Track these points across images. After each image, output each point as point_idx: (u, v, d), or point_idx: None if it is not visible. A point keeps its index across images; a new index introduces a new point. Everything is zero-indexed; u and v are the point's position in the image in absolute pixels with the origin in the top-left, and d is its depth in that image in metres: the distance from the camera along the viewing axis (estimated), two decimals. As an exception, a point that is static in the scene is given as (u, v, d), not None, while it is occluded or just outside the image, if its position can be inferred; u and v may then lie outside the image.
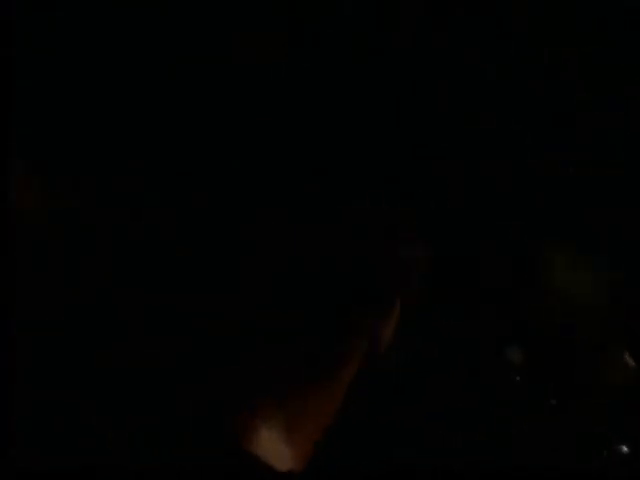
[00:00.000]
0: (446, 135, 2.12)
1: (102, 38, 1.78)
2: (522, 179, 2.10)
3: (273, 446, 0.87)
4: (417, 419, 1.66)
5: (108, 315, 0.73)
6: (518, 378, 1.97)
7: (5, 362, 0.69)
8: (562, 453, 1.92)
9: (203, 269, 1.30)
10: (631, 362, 2.01)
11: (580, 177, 2.08)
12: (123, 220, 0.82)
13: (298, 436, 0.89)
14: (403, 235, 1.71)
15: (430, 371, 1.75)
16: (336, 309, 1.64)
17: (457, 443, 1.62)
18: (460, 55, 2.07)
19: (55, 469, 0.71)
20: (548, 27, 2.04)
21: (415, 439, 1.62)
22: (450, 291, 2.06)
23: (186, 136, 1.85)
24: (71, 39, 1.71)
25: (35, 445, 0.69)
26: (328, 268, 1.64)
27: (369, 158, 2.02)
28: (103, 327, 0.74)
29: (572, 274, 2.07)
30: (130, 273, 0.82)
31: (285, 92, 1.99)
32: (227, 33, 1.94)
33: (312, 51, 2.01)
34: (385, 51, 2.06)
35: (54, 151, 1.57)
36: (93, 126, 1.63)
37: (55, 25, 1.67)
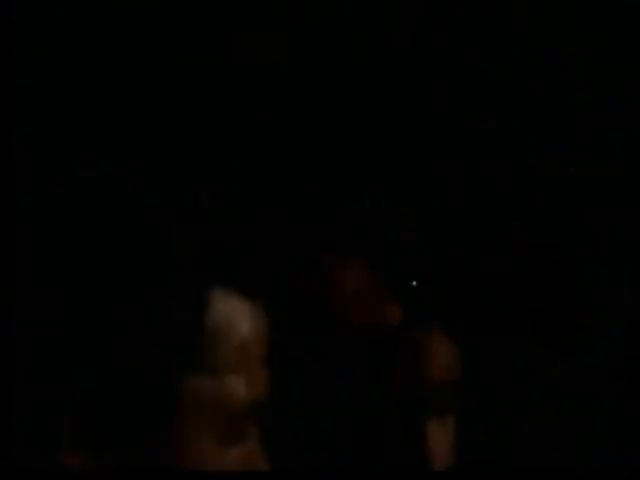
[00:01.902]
0: (446, 135, 2.11)
1: (102, 38, 1.77)
2: (522, 179, 2.10)
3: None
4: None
5: (108, 315, 0.73)
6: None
7: (5, 362, 0.69)
8: (562, 453, 1.92)
9: (202, 268, 1.30)
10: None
11: (580, 177, 2.07)
12: (123, 219, 0.81)
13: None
14: (403, 235, 1.71)
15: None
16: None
17: (457, 443, 1.62)
18: (460, 55, 2.07)
19: (55, 469, 0.71)
20: (548, 27, 2.04)
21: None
22: (450, 291, 2.06)
23: (186, 136, 1.85)
24: (71, 39, 1.71)
25: (35, 445, 0.69)
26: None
27: (369, 158, 2.02)
28: (103, 327, 0.74)
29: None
30: (130, 273, 0.82)
31: (285, 92, 1.99)
32: (227, 33, 1.93)
33: (312, 51, 2.01)
34: (385, 51, 2.06)
35: (54, 150, 1.57)
36: (93, 125, 1.63)
37: (55, 25, 1.67)
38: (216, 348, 0.71)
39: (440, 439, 1.52)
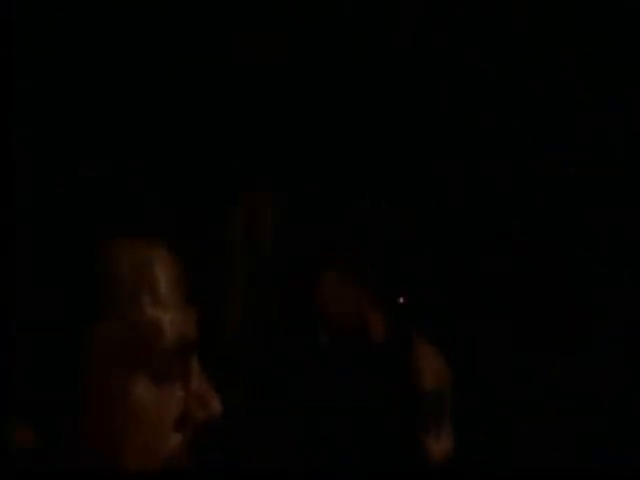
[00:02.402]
0: (446, 135, 2.12)
1: (102, 38, 1.78)
2: (522, 179, 2.10)
3: None
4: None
5: (107, 315, 0.73)
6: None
7: (5, 362, 0.69)
8: (562, 453, 1.92)
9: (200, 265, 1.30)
10: None
11: (580, 177, 2.07)
12: (121, 219, 0.82)
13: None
14: (403, 235, 1.71)
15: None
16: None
17: (458, 443, 1.62)
18: (460, 55, 2.07)
19: (55, 469, 0.71)
20: (548, 27, 2.04)
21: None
22: (450, 291, 2.06)
23: (186, 136, 1.85)
24: (71, 39, 1.71)
25: (35, 445, 0.69)
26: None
27: (369, 158, 2.02)
28: (103, 327, 0.74)
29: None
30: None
31: (285, 92, 1.99)
32: (227, 33, 1.94)
33: (312, 51, 2.01)
34: (385, 51, 2.06)
35: (54, 150, 1.56)
36: (92, 125, 1.63)
37: (55, 25, 1.67)
38: (132, 296, 0.73)
39: (435, 442, 1.53)
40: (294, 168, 1.93)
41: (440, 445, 1.54)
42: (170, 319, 0.74)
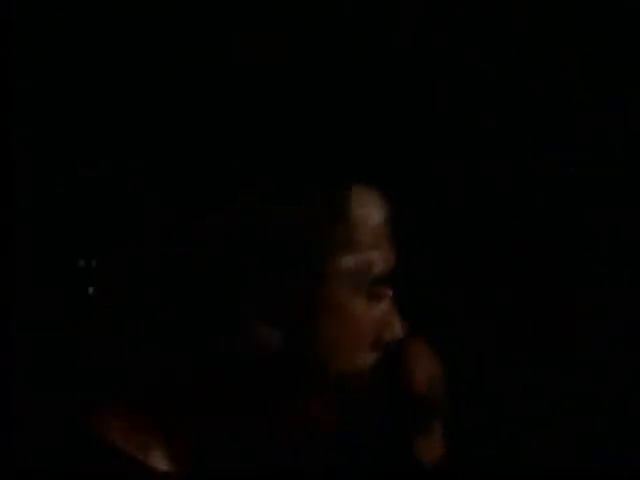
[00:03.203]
0: (446, 135, 2.11)
1: (102, 38, 1.78)
2: (522, 179, 2.09)
3: None
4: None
5: (107, 316, 0.73)
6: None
7: (5, 362, 0.69)
8: (561, 454, 1.92)
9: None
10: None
11: (580, 177, 2.07)
12: (121, 220, 0.82)
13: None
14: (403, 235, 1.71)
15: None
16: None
17: (462, 446, 1.62)
18: (460, 55, 2.07)
19: (55, 469, 0.71)
20: (548, 27, 2.04)
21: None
22: (449, 291, 2.06)
23: (186, 136, 1.85)
24: (71, 39, 1.71)
25: (35, 445, 0.69)
26: None
27: (369, 158, 2.02)
28: (102, 327, 0.74)
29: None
30: (129, 274, 0.82)
31: (285, 92, 1.99)
32: (227, 33, 1.94)
33: (312, 51, 2.01)
34: (385, 51, 2.06)
35: (54, 150, 1.57)
36: (93, 125, 1.63)
37: (55, 25, 1.67)
38: (359, 231, 0.99)
39: (427, 448, 1.52)
40: (294, 168, 1.93)
41: (431, 450, 1.54)
42: (379, 255, 0.98)
